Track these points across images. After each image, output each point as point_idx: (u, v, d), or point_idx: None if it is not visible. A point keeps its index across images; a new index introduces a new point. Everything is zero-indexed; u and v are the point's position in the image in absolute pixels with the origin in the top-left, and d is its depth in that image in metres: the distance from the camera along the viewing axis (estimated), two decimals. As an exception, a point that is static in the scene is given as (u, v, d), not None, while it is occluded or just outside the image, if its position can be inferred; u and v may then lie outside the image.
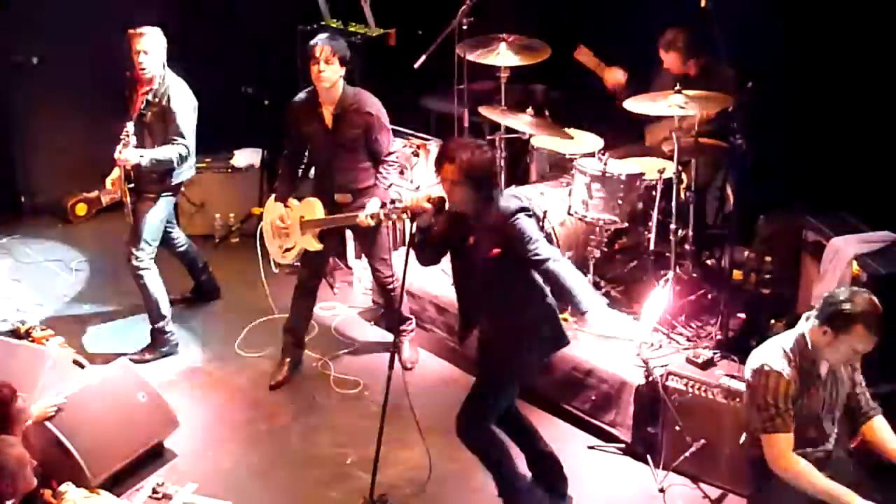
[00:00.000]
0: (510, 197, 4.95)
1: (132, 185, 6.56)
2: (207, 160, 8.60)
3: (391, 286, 6.62)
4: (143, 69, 6.48)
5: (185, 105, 6.57)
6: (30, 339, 6.54)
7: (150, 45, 6.46)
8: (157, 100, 6.52)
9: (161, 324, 6.87)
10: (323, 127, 6.25)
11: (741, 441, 4.76)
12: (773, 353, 4.41)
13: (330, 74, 6.10)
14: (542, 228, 6.26)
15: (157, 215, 6.66)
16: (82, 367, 6.04)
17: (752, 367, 4.48)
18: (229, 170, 8.62)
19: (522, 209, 4.83)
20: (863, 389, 4.61)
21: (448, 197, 4.90)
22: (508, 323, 5.03)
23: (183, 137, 6.52)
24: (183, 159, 6.53)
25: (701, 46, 6.73)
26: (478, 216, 4.91)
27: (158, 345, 6.89)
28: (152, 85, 6.54)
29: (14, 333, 6.65)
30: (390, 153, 6.35)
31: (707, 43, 6.64)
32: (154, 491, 5.68)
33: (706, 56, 6.78)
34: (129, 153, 6.33)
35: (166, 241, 7.00)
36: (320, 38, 6.14)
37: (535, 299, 5.01)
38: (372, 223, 5.73)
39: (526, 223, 4.81)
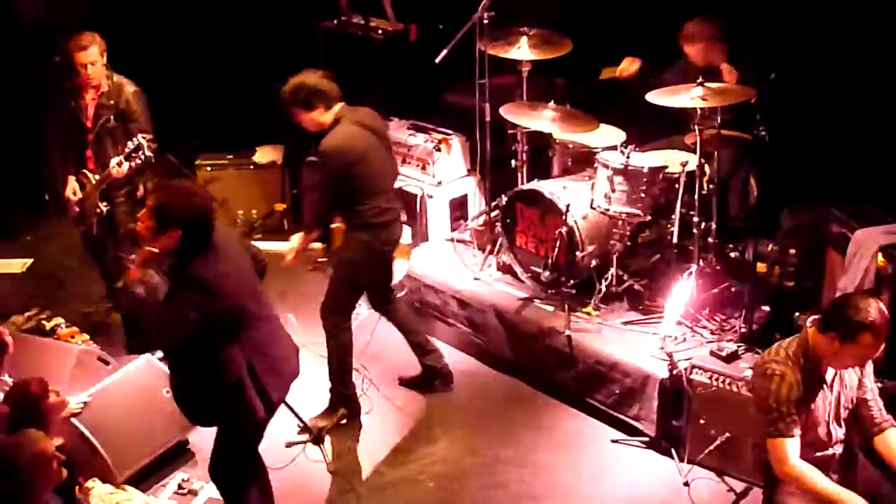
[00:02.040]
0: (210, 267, 4.45)
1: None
2: (230, 157, 8.64)
3: None
4: (91, 81, 6.52)
5: (143, 100, 6.62)
6: (55, 336, 6.59)
7: (95, 56, 6.48)
8: (111, 101, 6.57)
9: None
10: None
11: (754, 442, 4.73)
12: (776, 356, 4.38)
13: (305, 124, 6.03)
14: (565, 222, 6.26)
15: None
16: (107, 363, 6.06)
17: (757, 370, 4.47)
18: (251, 166, 8.65)
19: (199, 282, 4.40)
20: (875, 397, 4.53)
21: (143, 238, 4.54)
22: None
23: (150, 133, 6.51)
24: None
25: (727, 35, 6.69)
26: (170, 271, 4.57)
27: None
28: (101, 88, 6.58)
29: (40, 331, 6.69)
30: None
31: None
32: (179, 486, 5.72)
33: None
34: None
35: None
36: None
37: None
38: None
39: (181, 297, 4.41)
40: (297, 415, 5.76)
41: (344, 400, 6.24)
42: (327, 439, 6.02)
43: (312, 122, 5.95)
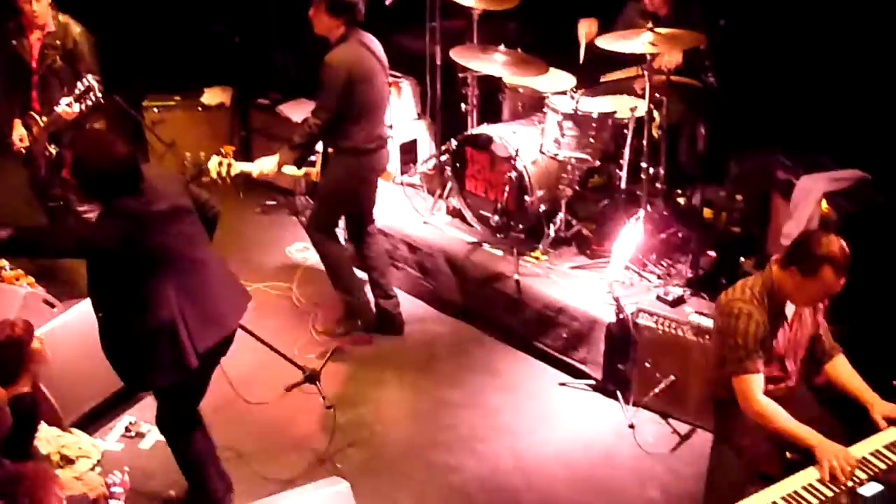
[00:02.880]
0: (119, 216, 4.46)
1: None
2: (177, 98, 8.53)
3: None
4: (37, 20, 6.34)
5: (90, 40, 6.49)
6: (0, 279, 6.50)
7: None
8: (58, 42, 6.42)
9: None
10: None
11: (708, 379, 4.81)
12: (741, 295, 4.44)
13: (316, 24, 5.99)
14: (514, 167, 6.28)
15: None
16: (53, 306, 6.01)
17: (722, 308, 4.52)
18: (200, 108, 8.56)
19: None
20: (825, 331, 4.69)
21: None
22: None
23: (97, 74, 6.41)
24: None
25: None
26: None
27: None
28: (46, 28, 6.42)
29: (-17, 274, 6.60)
30: None
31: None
32: (127, 429, 5.71)
33: None
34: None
35: None
36: None
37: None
38: None
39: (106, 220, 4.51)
40: (283, 355, 5.75)
41: (353, 308, 6.48)
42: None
43: (326, 27, 5.96)
